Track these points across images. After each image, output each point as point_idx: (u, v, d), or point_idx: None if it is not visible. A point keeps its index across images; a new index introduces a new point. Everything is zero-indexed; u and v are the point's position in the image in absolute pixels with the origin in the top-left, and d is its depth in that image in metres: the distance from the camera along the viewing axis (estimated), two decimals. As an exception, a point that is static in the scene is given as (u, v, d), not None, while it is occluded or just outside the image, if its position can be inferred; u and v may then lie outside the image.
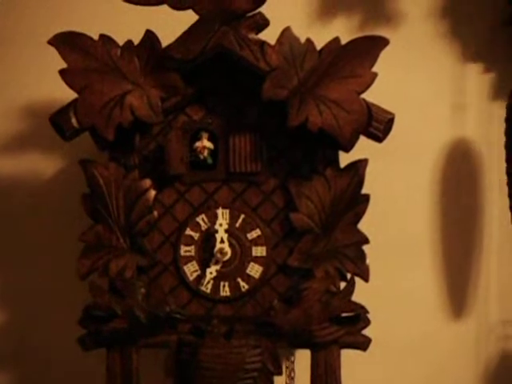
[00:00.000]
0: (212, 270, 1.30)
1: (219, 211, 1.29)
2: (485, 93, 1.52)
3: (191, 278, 1.32)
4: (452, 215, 1.54)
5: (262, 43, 1.24)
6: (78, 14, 1.52)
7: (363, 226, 1.29)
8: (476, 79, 1.53)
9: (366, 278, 1.28)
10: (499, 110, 1.45)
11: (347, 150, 1.25)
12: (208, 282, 1.31)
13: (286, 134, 1.28)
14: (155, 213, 1.31)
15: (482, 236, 1.54)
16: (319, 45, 1.25)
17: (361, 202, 1.29)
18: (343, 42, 1.24)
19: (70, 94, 1.25)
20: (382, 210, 1.44)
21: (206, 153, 1.31)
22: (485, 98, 1.52)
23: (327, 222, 1.29)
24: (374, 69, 1.22)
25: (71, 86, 1.25)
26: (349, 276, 1.29)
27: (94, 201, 1.30)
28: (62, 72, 1.25)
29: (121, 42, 1.26)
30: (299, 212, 1.29)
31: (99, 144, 1.28)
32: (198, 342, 1.27)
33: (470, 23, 1.52)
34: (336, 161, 1.30)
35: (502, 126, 1.37)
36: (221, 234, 1.29)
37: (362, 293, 1.29)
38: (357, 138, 1.24)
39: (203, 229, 1.32)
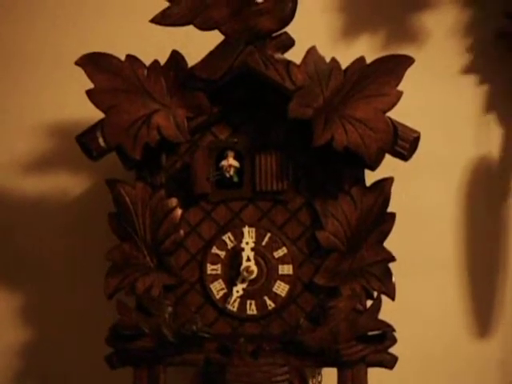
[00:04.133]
0: (238, 289, 1.30)
1: (245, 229, 1.30)
2: (509, 110, 1.52)
3: (218, 297, 1.32)
4: (477, 232, 1.53)
5: (288, 62, 1.25)
6: (104, 35, 1.54)
7: (389, 243, 1.29)
8: (501, 97, 1.52)
9: (392, 296, 1.28)
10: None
11: (373, 168, 1.26)
12: (234, 301, 1.31)
13: (311, 152, 1.28)
14: (181, 231, 1.32)
15: (508, 253, 1.53)
16: (344, 64, 1.25)
17: (387, 221, 1.29)
18: (368, 61, 1.24)
19: (97, 114, 1.26)
20: (408, 227, 1.44)
21: (231, 171, 1.31)
22: (509, 115, 1.52)
23: (353, 241, 1.29)
24: (399, 87, 1.22)
25: (98, 106, 1.26)
26: (375, 294, 1.29)
27: (120, 220, 1.31)
28: (88, 92, 1.26)
29: (147, 63, 1.27)
30: (325, 230, 1.29)
31: (126, 163, 1.29)
32: (225, 360, 1.27)
33: (494, 40, 1.52)
34: (362, 179, 1.30)
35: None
36: (247, 253, 1.29)
37: (387, 310, 1.28)
38: (382, 157, 1.24)
39: (229, 247, 1.32)
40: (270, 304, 1.31)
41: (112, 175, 1.33)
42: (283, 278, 1.31)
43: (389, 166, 1.28)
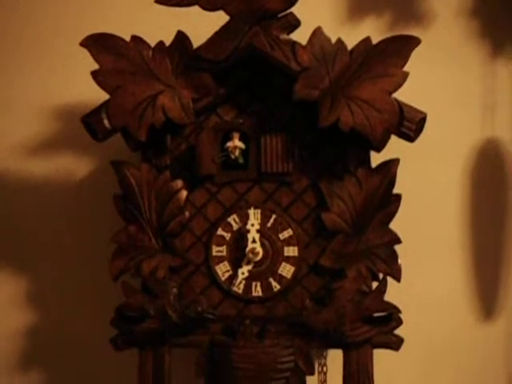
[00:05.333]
0: (244, 270, 1.30)
1: (251, 211, 1.29)
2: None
3: (223, 278, 1.32)
4: (482, 215, 1.53)
5: (293, 43, 1.24)
6: (109, 16, 1.53)
7: (394, 225, 1.29)
8: (506, 79, 1.52)
9: (397, 278, 1.28)
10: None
11: (379, 149, 1.25)
12: (240, 282, 1.31)
13: (317, 133, 1.28)
14: (187, 213, 1.32)
15: (513, 236, 1.53)
16: (350, 45, 1.25)
17: (392, 202, 1.29)
18: (374, 41, 1.24)
19: (102, 95, 1.26)
20: (413, 209, 1.44)
21: (237, 153, 1.31)
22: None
23: (359, 222, 1.29)
24: (405, 68, 1.22)
25: (103, 87, 1.26)
26: (381, 276, 1.28)
27: (126, 202, 1.31)
28: (94, 73, 1.25)
29: (152, 43, 1.27)
30: (331, 212, 1.29)
31: (131, 145, 1.29)
32: (230, 342, 1.28)
33: (500, 23, 1.51)
34: (367, 161, 1.30)
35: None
36: (252, 234, 1.29)
37: (393, 293, 1.28)
38: (388, 138, 1.24)
39: (235, 229, 1.32)
40: (276, 286, 1.31)
41: (117, 157, 1.32)
42: (288, 259, 1.31)
43: (394, 148, 1.27)
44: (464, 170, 1.53)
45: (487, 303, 1.54)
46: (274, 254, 1.31)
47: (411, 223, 1.42)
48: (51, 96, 1.56)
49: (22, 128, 1.56)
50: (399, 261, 1.28)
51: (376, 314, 1.28)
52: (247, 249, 1.29)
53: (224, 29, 1.25)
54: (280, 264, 1.31)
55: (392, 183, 1.28)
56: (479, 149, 1.52)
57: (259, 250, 1.29)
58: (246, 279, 1.31)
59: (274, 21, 1.24)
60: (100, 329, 1.37)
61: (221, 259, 1.32)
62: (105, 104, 1.26)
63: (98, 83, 1.25)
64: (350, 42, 1.25)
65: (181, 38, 1.27)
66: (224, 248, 1.32)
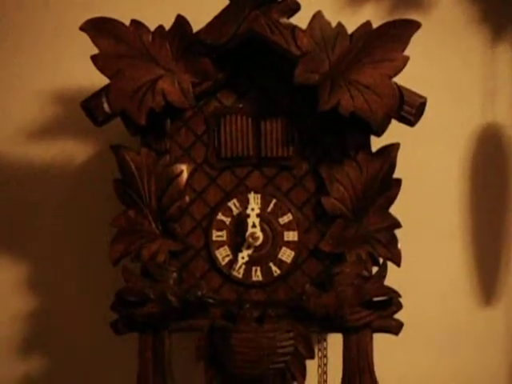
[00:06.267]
0: (244, 255, 1.30)
1: (251, 196, 1.30)
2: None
3: (223, 263, 1.32)
4: (482, 199, 1.53)
5: (293, 27, 1.24)
6: (109, 0, 1.52)
7: (395, 210, 1.29)
8: (507, 64, 1.51)
9: (397, 263, 1.28)
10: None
11: (379, 134, 1.25)
12: (240, 267, 1.31)
13: (317, 118, 1.28)
14: (187, 198, 1.31)
15: (514, 220, 1.53)
16: (350, 29, 1.24)
17: (392, 186, 1.29)
18: (374, 26, 1.24)
19: (102, 80, 1.25)
20: (414, 194, 1.44)
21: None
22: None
23: (359, 207, 1.29)
24: (406, 52, 1.22)
25: (103, 72, 1.25)
26: (381, 260, 1.29)
27: (125, 186, 1.31)
28: (93, 58, 1.25)
29: (152, 28, 1.26)
30: (331, 196, 1.29)
31: (131, 129, 1.29)
32: (230, 326, 1.27)
33: (501, 8, 1.51)
34: (368, 145, 1.29)
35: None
36: (252, 219, 1.29)
37: (393, 277, 1.28)
38: (388, 122, 1.24)
39: (235, 213, 1.32)
40: (276, 270, 1.31)
41: (117, 142, 1.32)
42: (288, 244, 1.31)
43: (395, 133, 1.27)
44: (464, 154, 1.53)
45: (487, 287, 1.54)
46: (274, 239, 1.31)
47: (412, 208, 1.43)
48: (51, 81, 1.54)
49: (22, 113, 1.55)
50: (399, 245, 1.28)
51: (376, 299, 1.28)
52: (247, 233, 1.29)
53: (224, 13, 1.24)
54: (280, 249, 1.31)
55: (392, 168, 1.28)
56: (480, 134, 1.52)
57: (259, 234, 1.29)
58: (246, 264, 1.31)
59: (273, 5, 1.23)
60: (100, 313, 1.37)
61: (221, 244, 1.32)
62: (104, 88, 1.25)
63: (98, 67, 1.25)
64: (351, 27, 1.24)
65: (180, 22, 1.26)
66: (224, 233, 1.32)
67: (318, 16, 1.24)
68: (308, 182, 1.31)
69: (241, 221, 1.31)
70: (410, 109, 1.22)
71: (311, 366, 1.34)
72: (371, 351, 1.29)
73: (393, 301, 1.28)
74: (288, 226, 1.31)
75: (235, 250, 1.31)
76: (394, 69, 1.22)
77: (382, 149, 1.28)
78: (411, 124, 1.23)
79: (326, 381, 1.39)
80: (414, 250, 1.42)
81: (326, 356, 1.38)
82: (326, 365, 1.38)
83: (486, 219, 1.53)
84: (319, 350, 1.38)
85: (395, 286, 1.28)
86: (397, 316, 1.29)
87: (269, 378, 1.29)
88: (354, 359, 1.28)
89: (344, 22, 1.25)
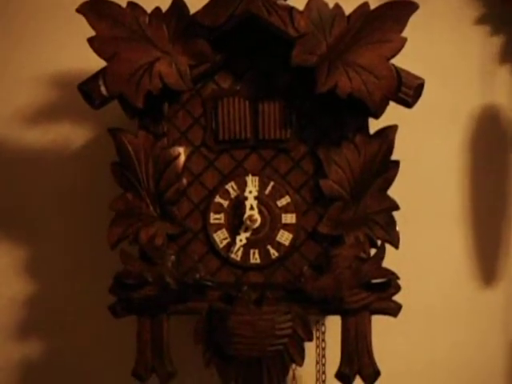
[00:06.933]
0: (242, 238, 1.30)
1: (248, 178, 1.29)
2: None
3: (221, 246, 1.32)
4: (482, 180, 1.53)
5: (291, 9, 1.23)
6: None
7: (393, 192, 1.29)
8: (505, 44, 1.51)
9: (395, 245, 1.28)
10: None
11: (377, 115, 1.25)
12: (238, 250, 1.31)
13: (315, 100, 1.28)
14: (184, 180, 1.31)
15: (512, 202, 1.53)
16: (348, 10, 1.24)
17: (390, 169, 1.28)
18: (371, 7, 1.23)
19: (99, 63, 1.25)
20: (412, 176, 1.44)
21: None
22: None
23: (357, 189, 1.28)
24: (404, 34, 1.21)
25: (100, 54, 1.25)
26: (379, 242, 1.28)
27: (123, 169, 1.31)
28: (90, 40, 1.24)
29: (149, 10, 1.26)
30: (329, 178, 1.29)
31: (128, 112, 1.28)
32: (228, 308, 1.27)
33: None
34: (365, 127, 1.29)
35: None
36: (250, 201, 1.28)
37: (391, 259, 1.28)
38: (386, 104, 1.23)
39: (232, 196, 1.32)
40: (274, 253, 1.31)
41: (115, 125, 1.32)
42: (286, 226, 1.31)
43: (393, 115, 1.27)
44: (463, 136, 1.53)
45: (487, 269, 1.54)
46: (271, 222, 1.31)
47: (410, 190, 1.43)
48: (47, 64, 1.55)
49: (19, 96, 1.56)
50: (397, 227, 1.28)
51: (374, 281, 1.28)
52: (245, 216, 1.29)
53: (221, -6, 1.24)
54: (278, 231, 1.31)
55: (390, 149, 1.28)
56: (479, 115, 1.52)
57: (257, 217, 1.29)
58: (244, 246, 1.31)
59: (270, -14, 1.23)
60: (99, 296, 1.37)
61: (219, 226, 1.32)
62: (101, 71, 1.25)
63: (95, 50, 1.24)
64: (348, 8, 1.24)
65: (177, 4, 1.26)
66: (222, 215, 1.32)
67: (315, -3, 1.24)
68: (306, 165, 1.31)
69: (239, 203, 1.31)
70: (407, 90, 1.21)
71: (310, 348, 1.34)
72: (369, 333, 1.29)
73: (391, 283, 1.28)
74: (286, 209, 1.31)
75: (233, 233, 1.31)
76: (392, 50, 1.21)
77: (380, 131, 1.28)
78: (409, 105, 1.23)
79: (324, 363, 1.39)
80: (413, 232, 1.43)
81: (324, 338, 1.38)
82: (324, 347, 1.38)
83: (485, 201, 1.53)
84: (317, 331, 1.38)
85: (394, 269, 1.27)
86: (395, 298, 1.29)
87: (267, 360, 1.29)
88: (353, 341, 1.28)
89: (341, 4, 1.24)
